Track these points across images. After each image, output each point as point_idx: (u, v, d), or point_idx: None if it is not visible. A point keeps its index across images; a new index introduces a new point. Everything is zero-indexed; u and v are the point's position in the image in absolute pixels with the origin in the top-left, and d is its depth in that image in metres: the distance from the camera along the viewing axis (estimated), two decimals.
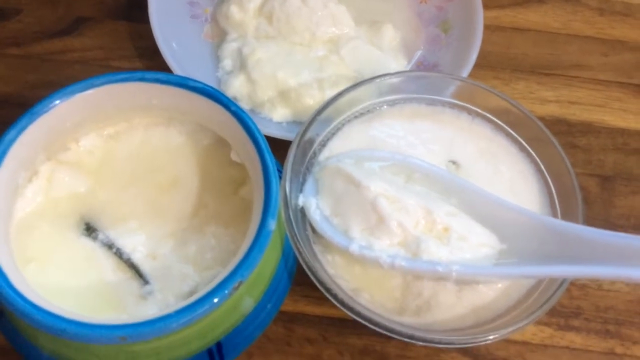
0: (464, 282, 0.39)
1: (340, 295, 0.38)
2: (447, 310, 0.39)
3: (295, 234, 0.39)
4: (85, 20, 0.59)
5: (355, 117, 0.46)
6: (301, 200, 0.41)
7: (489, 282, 0.40)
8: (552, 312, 0.46)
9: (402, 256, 0.39)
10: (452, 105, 0.46)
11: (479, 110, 0.46)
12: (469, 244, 0.40)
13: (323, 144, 0.45)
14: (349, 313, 0.38)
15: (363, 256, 0.39)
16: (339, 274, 0.40)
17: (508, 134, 0.46)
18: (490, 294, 0.40)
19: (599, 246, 0.37)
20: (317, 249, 0.41)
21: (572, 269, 0.37)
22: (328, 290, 0.38)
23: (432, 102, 0.46)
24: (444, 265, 0.38)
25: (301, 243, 0.39)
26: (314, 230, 0.41)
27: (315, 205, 0.41)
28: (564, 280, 0.38)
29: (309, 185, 0.43)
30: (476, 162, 0.45)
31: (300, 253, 0.39)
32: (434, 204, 0.41)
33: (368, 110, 0.46)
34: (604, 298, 0.48)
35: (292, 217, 0.39)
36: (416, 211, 0.40)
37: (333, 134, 0.45)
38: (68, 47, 0.57)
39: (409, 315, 0.39)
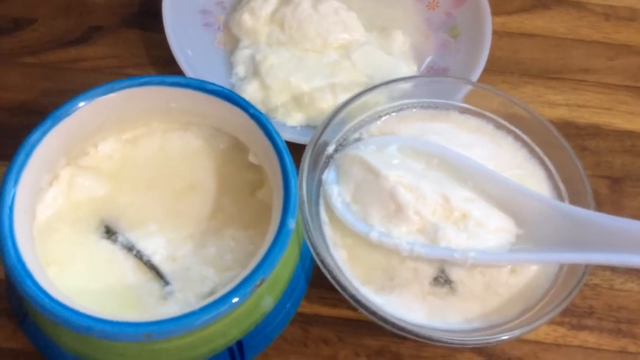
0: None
1: (349, 288, 0.39)
2: (405, 301, 0.40)
3: (308, 223, 0.40)
4: (98, 29, 0.60)
5: (422, 107, 0.47)
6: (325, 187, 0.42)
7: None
8: (565, 312, 0.46)
9: (421, 243, 0.40)
10: (517, 138, 0.46)
11: (520, 134, 0.46)
12: (486, 230, 0.40)
13: (353, 130, 0.46)
14: (354, 304, 0.39)
15: (382, 243, 0.40)
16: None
17: (517, 137, 0.46)
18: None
19: (613, 233, 0.37)
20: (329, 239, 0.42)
21: (588, 255, 0.38)
22: (342, 288, 0.39)
23: (499, 126, 0.47)
24: (460, 252, 0.39)
25: (313, 233, 0.40)
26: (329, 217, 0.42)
27: (337, 192, 0.42)
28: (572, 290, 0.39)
29: (330, 173, 0.43)
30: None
31: (312, 244, 0.39)
32: (452, 190, 0.41)
33: (436, 107, 0.47)
34: (616, 297, 0.48)
35: (308, 214, 0.40)
36: (433, 198, 0.41)
37: (393, 111, 0.47)
38: (82, 56, 0.58)
39: (372, 289, 0.41)
